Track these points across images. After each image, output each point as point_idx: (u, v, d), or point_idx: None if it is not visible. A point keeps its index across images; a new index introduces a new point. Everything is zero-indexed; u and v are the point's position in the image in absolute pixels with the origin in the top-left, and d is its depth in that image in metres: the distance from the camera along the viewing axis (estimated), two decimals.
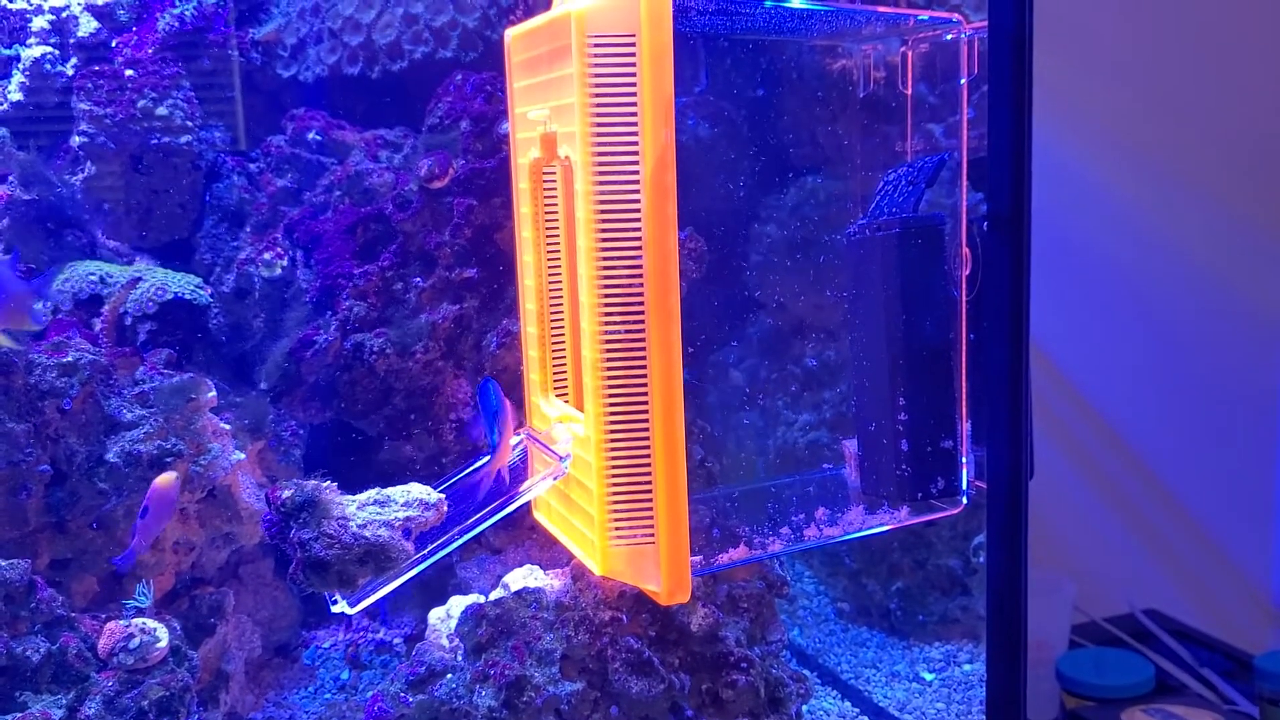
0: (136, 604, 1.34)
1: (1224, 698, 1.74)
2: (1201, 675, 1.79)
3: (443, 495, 1.27)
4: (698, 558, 1.24)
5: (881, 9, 1.40)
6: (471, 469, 1.40)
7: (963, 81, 1.35)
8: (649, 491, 1.16)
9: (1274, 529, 2.24)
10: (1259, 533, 2.25)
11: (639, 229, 1.12)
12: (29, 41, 1.73)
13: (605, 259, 1.13)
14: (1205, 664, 1.83)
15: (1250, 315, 2.19)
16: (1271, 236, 2.15)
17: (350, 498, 1.24)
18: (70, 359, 1.40)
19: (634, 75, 1.09)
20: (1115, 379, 2.16)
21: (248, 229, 1.76)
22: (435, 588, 1.64)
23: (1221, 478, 2.23)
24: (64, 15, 1.74)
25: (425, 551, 1.22)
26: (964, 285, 1.34)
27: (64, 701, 1.24)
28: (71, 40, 1.75)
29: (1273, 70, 2.13)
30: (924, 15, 1.39)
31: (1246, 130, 2.13)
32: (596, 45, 1.09)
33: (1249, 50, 2.11)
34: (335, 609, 1.21)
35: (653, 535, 1.17)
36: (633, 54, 1.08)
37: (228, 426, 1.51)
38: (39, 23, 1.74)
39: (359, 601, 1.20)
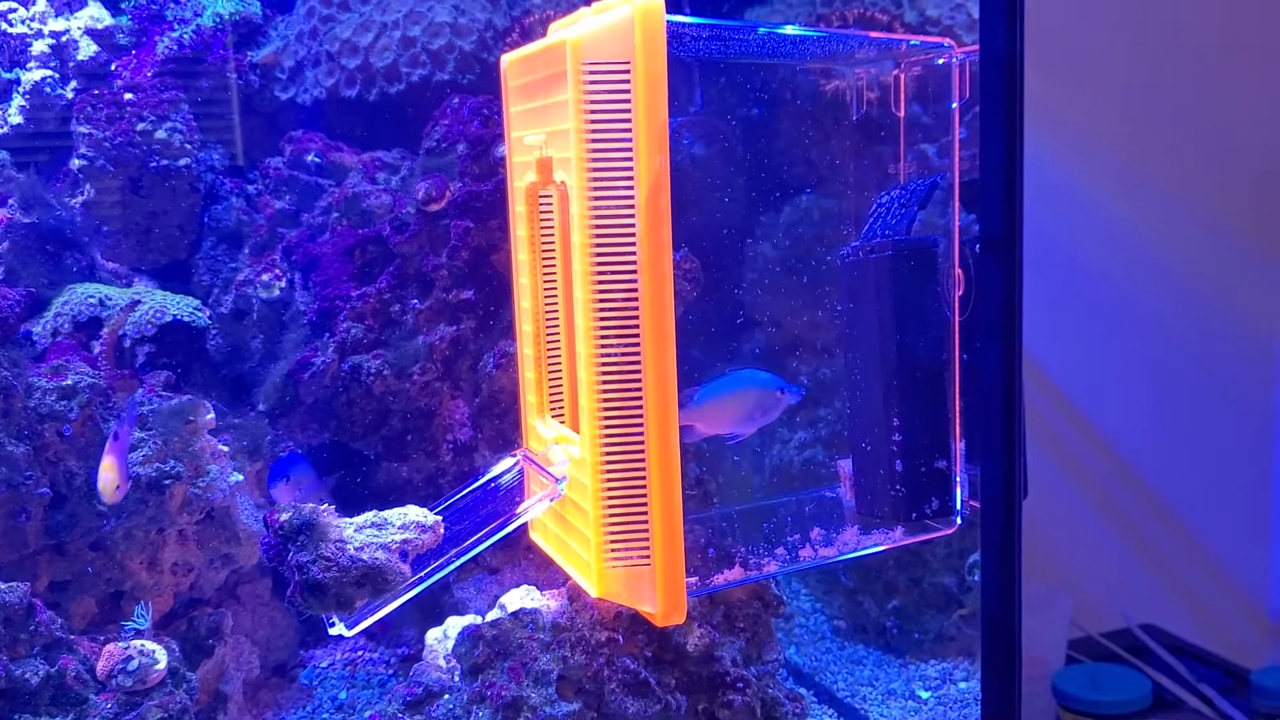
0: (135, 626, 1.35)
1: (1221, 713, 1.74)
2: (1199, 691, 1.80)
3: (439, 517, 1.28)
4: (694, 578, 1.24)
5: (874, 34, 1.41)
6: (468, 490, 1.41)
7: (954, 105, 1.36)
8: (645, 513, 1.17)
9: (1271, 543, 2.25)
10: (1256, 547, 2.25)
11: (634, 253, 1.12)
12: (29, 65, 1.74)
13: (601, 282, 1.14)
14: (1203, 679, 1.83)
15: (1245, 330, 2.20)
16: (1264, 251, 2.16)
17: (348, 520, 1.24)
18: (69, 382, 1.41)
19: (629, 102, 1.10)
20: (1110, 394, 2.17)
21: (246, 251, 1.77)
22: (432, 608, 1.64)
23: (1217, 492, 2.23)
24: (64, 39, 1.76)
25: (422, 574, 1.23)
26: (957, 306, 1.35)
27: None
28: (71, 64, 1.76)
29: (1262, 88, 2.14)
30: (916, 40, 1.40)
31: (1237, 148, 2.14)
32: (592, 72, 1.10)
33: (1239, 69, 2.13)
34: (333, 631, 1.21)
35: (648, 557, 1.17)
36: (628, 81, 1.09)
37: (226, 448, 1.52)
38: (39, 46, 1.75)
39: (357, 624, 1.21)
